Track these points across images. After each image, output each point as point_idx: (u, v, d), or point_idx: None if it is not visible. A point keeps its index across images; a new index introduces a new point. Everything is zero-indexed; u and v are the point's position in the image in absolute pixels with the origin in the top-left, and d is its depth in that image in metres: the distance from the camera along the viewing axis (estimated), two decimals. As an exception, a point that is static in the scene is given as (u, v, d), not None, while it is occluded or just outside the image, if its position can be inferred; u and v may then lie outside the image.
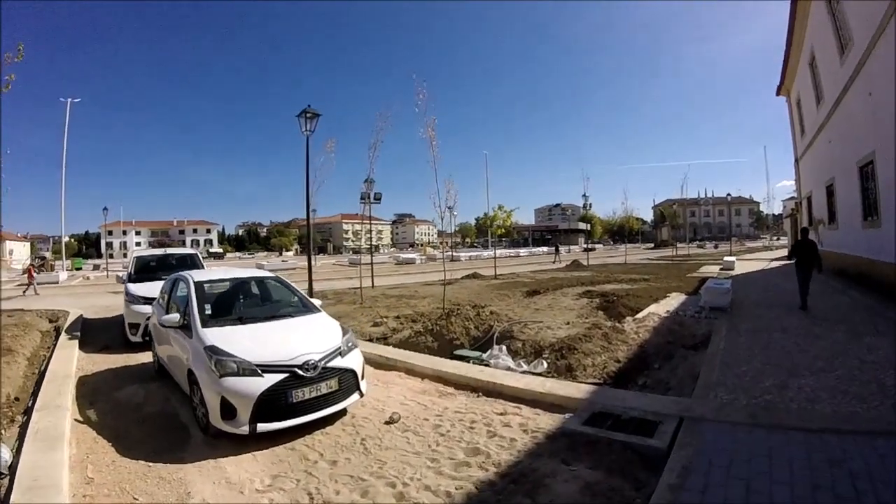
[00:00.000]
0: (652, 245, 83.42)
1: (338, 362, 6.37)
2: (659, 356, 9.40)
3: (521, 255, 66.28)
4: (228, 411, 5.61)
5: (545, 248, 77.62)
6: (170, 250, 16.43)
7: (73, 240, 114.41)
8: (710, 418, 5.89)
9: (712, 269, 28.07)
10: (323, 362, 6.16)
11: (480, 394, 7.48)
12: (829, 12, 18.01)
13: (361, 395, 6.64)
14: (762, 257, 37.79)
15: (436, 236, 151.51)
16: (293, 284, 8.84)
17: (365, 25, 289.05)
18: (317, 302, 8.45)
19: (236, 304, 8.03)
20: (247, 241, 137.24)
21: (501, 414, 6.50)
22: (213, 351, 5.99)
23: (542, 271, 33.36)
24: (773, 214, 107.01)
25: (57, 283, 37.52)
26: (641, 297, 16.19)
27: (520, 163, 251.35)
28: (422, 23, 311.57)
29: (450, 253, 67.76)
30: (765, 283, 19.81)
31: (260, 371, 5.77)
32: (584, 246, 58.43)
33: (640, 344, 9.99)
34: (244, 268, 11.20)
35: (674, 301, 15.29)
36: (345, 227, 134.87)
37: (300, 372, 5.91)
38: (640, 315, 12.81)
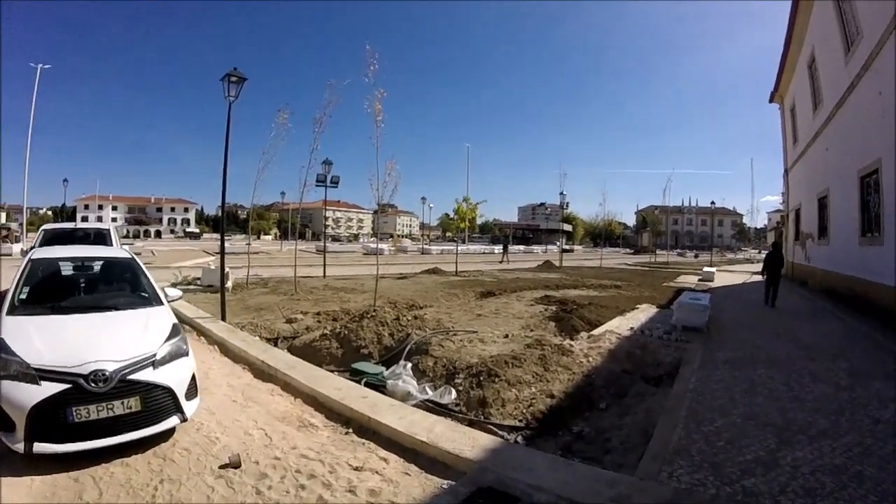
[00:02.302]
0: (632, 250, 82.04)
1: (146, 375, 4.86)
2: (609, 391, 7.31)
3: (496, 251, 64.41)
4: (5, 422, 4.41)
5: (522, 247, 76.07)
6: (81, 224, 15.50)
7: (49, 212, 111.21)
8: (656, 522, 3.75)
9: (690, 280, 26.37)
10: (121, 374, 4.68)
11: (351, 430, 5.73)
12: (835, 6, 16.36)
13: (183, 419, 5.10)
14: (744, 270, 35.98)
15: (417, 228, 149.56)
16: (145, 269, 7.14)
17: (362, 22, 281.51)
18: (175, 293, 7.04)
19: (71, 288, 6.80)
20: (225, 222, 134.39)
21: (357, 469, 4.71)
22: None
23: (510, 270, 31.63)
24: (756, 228, 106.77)
25: (10, 255, 35.02)
26: (606, 308, 14.19)
27: (507, 161, 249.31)
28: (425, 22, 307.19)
29: (421, 245, 66.35)
30: (746, 299, 17.79)
31: (37, 378, 4.48)
32: (562, 247, 56.54)
33: (588, 372, 7.88)
34: (110, 247, 9.49)
35: (642, 315, 13.23)
36: (326, 213, 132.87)
37: (84, 384, 4.50)
38: (597, 331, 10.70)
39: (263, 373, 7.70)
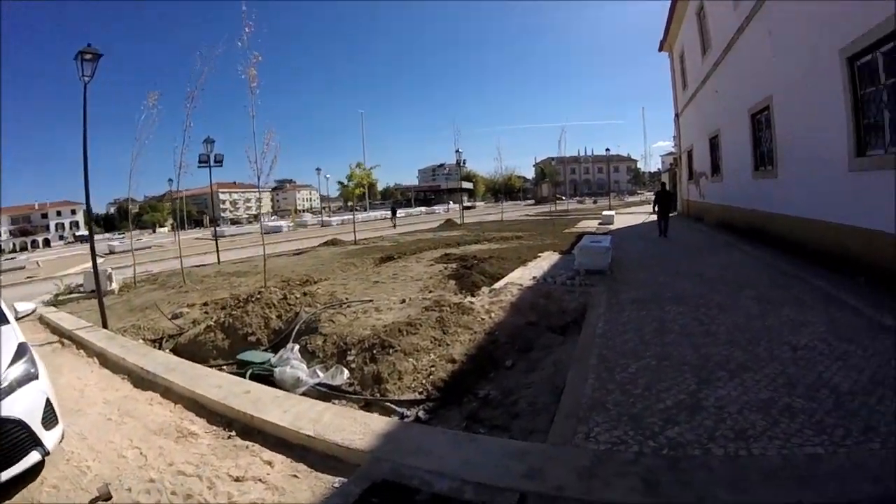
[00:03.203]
0: (533, 202, 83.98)
1: None
2: (514, 347, 6.91)
3: (399, 216, 64.04)
4: None
5: (423, 209, 75.96)
6: None
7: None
8: (575, 497, 3.27)
9: (591, 224, 26.87)
10: None
11: (234, 432, 5.17)
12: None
13: (45, 452, 4.40)
14: (641, 211, 37.31)
15: (318, 201, 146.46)
16: None
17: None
18: (26, 307, 6.11)
19: None
20: (117, 219, 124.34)
21: (238, 480, 4.22)
22: None
23: (411, 233, 31.34)
24: (650, 172, 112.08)
25: None
26: (507, 260, 13.95)
27: (405, 126, 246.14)
28: None
29: (321, 218, 64.82)
30: (647, 238, 18.11)
31: None
32: (462, 204, 56.77)
33: (491, 329, 7.43)
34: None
35: (544, 263, 13.04)
36: (221, 196, 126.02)
37: None
38: (498, 285, 10.30)
39: (143, 380, 6.97)
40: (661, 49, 30.90)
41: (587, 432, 4.05)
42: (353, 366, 6.55)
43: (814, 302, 7.39)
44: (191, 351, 8.37)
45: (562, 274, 10.78)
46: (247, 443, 4.88)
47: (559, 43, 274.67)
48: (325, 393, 6.13)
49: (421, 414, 5.53)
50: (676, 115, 30.68)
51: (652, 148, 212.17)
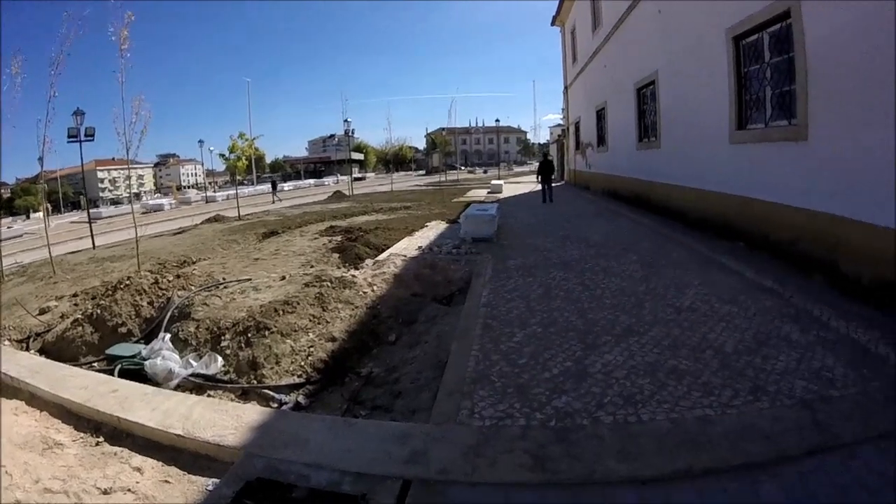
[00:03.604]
0: (424, 172, 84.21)
1: None
2: (397, 320, 6.64)
3: (286, 189, 62.09)
4: None
5: (312, 181, 74.25)
6: None
7: None
8: (461, 479, 3.03)
9: (480, 193, 27.41)
10: None
11: (102, 438, 4.65)
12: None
13: None
14: (529, 180, 38.21)
15: (203, 177, 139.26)
16: None
17: None
18: None
19: None
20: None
21: (106, 492, 3.75)
22: None
23: (298, 206, 30.61)
24: (540, 143, 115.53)
25: None
26: (394, 230, 13.83)
27: (291, 95, 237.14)
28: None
29: (205, 194, 61.91)
30: (534, 206, 18.55)
31: None
32: (352, 175, 55.82)
33: (373, 303, 7.11)
34: None
35: (431, 233, 12.93)
36: (100, 175, 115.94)
37: None
38: (382, 256, 9.99)
39: (9, 387, 6.14)
40: (553, 23, 31.62)
41: (471, 408, 3.82)
42: (228, 352, 6.03)
43: (696, 266, 7.63)
44: (59, 349, 7.56)
45: (448, 243, 10.68)
46: (115, 449, 4.39)
47: (452, 14, 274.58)
48: (200, 384, 5.64)
49: (301, 399, 5.17)
50: (566, 88, 31.58)
51: (542, 120, 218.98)
